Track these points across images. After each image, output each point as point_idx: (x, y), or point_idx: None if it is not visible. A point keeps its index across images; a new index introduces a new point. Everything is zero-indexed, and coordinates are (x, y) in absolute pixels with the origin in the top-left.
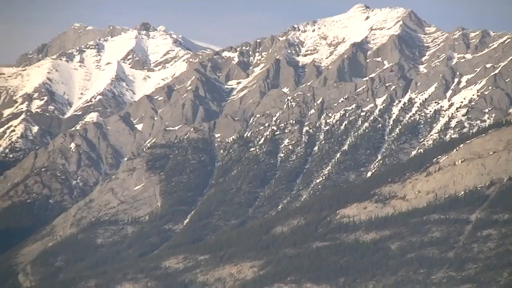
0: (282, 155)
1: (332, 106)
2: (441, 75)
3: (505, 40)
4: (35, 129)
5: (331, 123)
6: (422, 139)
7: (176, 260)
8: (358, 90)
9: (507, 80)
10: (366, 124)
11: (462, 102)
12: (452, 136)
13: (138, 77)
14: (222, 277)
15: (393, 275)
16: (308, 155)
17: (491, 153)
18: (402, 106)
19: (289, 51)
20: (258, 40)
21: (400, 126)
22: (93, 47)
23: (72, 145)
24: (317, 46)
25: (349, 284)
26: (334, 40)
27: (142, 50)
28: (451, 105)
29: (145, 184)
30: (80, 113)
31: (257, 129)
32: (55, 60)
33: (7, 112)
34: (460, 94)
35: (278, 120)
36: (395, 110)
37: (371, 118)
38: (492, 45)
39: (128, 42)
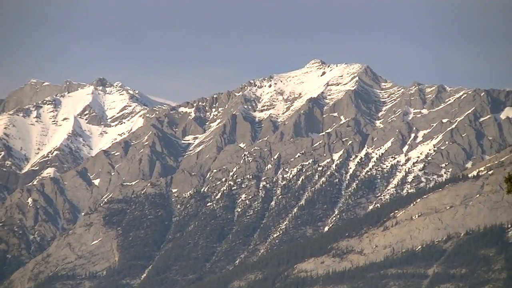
0: (239, 210)
1: (289, 161)
2: (397, 130)
3: (461, 95)
4: None
5: (288, 178)
6: (379, 194)
7: None
8: (314, 145)
9: (463, 135)
10: (323, 179)
11: (418, 157)
12: (409, 191)
13: (95, 132)
14: None
15: None
16: (265, 210)
17: (448, 207)
18: (359, 161)
19: (245, 106)
20: (215, 96)
21: (357, 181)
22: (50, 102)
23: (30, 200)
24: (273, 101)
25: None
26: (290, 96)
27: (99, 105)
28: (407, 160)
29: (102, 239)
30: (37, 168)
31: (214, 184)
32: (12, 116)
33: None
34: (417, 149)
35: (235, 175)
36: (352, 165)
37: (328, 173)
38: (448, 100)
39: (84, 98)
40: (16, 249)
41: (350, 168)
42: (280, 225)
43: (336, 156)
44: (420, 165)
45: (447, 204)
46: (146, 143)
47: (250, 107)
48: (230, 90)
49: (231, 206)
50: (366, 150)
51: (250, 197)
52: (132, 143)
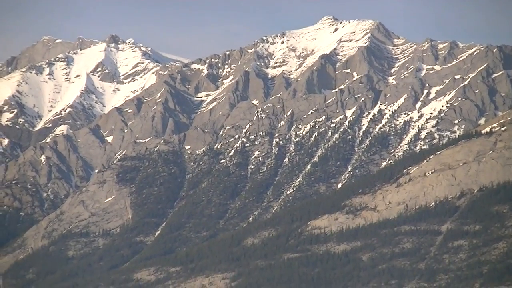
0: (252, 167)
1: (301, 118)
2: (410, 87)
3: (474, 52)
4: (5, 141)
5: (301, 134)
6: (392, 151)
7: (147, 272)
8: (327, 102)
9: (476, 91)
10: (336, 136)
11: (431, 113)
12: (422, 147)
13: (108, 89)
14: None
15: (365, 286)
16: (278, 167)
17: (461, 164)
18: (372, 117)
19: (258, 63)
20: (227, 52)
21: (370, 138)
22: (62, 60)
23: (43, 158)
24: (286, 58)
25: None
26: (303, 52)
27: (111, 62)
28: (420, 117)
29: (115, 196)
30: (50, 125)
31: (227, 141)
32: (24, 73)
33: None
34: (430, 105)
35: (248, 132)
36: (365, 122)
37: (341, 129)
38: (461, 56)
39: (97, 55)
40: (29, 206)
41: (363, 124)
42: (293, 182)
43: (349, 113)
44: (433, 122)
45: (460, 161)
46: (159, 100)
47: (262, 63)
48: (243, 46)
49: (244, 163)
50: (379, 106)
51: (263, 154)
52: (144, 100)
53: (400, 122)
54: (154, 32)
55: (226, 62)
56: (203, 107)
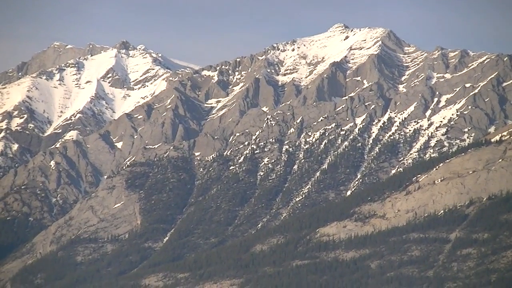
0: (261, 173)
1: (311, 125)
2: (420, 95)
3: (484, 60)
4: (15, 147)
5: (310, 142)
6: (402, 158)
7: (155, 278)
8: (337, 109)
9: (486, 100)
10: (346, 143)
11: (441, 121)
12: (432, 155)
13: (118, 95)
14: None
15: None
16: (287, 174)
17: (471, 172)
18: (382, 125)
19: (268, 70)
20: (238, 59)
21: (380, 145)
22: (73, 65)
23: (52, 163)
24: (296, 65)
25: None
26: (313, 60)
27: (122, 68)
28: (430, 125)
29: (124, 202)
30: (60, 131)
31: (236, 148)
32: (35, 79)
33: None
34: (440, 113)
35: (258, 139)
36: (375, 129)
37: (351, 137)
38: (472, 65)
39: (107, 61)
40: (38, 212)
41: (373, 132)
42: (303, 189)
43: (359, 120)
44: (443, 130)
45: (469, 169)
46: (169, 106)
47: (273, 70)
48: (253, 53)
49: (254, 170)
50: (389, 114)
51: (273, 161)
52: (155, 106)
53: (410, 130)
54: (165, 38)
55: (237, 69)
56: (213, 114)
